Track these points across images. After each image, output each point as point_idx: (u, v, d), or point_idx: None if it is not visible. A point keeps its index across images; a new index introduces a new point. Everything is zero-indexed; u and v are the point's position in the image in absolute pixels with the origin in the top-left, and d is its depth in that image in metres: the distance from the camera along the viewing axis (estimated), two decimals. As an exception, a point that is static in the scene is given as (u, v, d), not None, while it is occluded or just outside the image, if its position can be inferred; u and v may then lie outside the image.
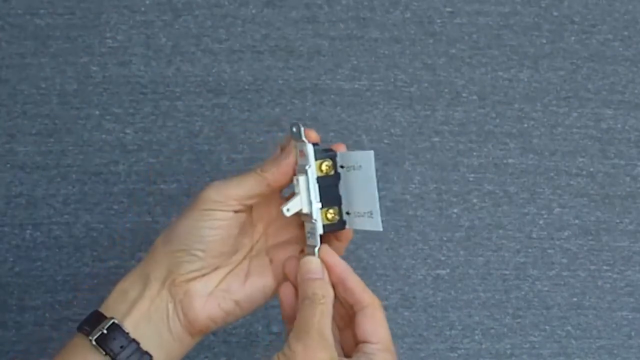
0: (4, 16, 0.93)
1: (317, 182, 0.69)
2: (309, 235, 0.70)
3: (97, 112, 0.93)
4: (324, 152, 0.69)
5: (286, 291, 0.71)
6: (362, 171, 0.68)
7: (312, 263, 0.69)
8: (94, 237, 0.91)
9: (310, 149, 0.69)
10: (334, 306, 0.69)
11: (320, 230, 0.69)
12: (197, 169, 0.92)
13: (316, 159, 0.69)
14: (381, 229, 0.68)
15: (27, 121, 0.92)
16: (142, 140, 0.92)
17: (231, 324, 0.72)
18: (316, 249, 0.69)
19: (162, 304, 0.69)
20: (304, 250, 0.72)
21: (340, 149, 0.70)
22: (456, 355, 0.92)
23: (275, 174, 0.69)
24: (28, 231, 0.91)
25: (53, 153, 0.92)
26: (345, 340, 0.72)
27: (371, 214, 0.68)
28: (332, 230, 0.70)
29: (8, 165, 0.92)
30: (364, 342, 0.68)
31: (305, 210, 0.69)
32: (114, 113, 0.93)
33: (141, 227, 0.91)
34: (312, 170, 0.69)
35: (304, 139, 0.68)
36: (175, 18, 0.94)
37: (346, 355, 0.70)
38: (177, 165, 0.92)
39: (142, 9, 0.94)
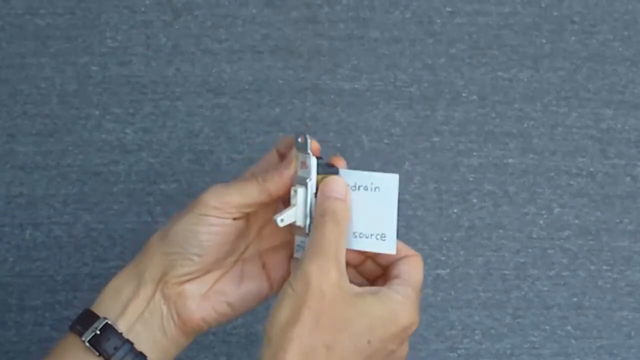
0: (4, 16, 0.93)
1: (316, 196, 0.67)
2: (297, 248, 0.69)
3: (97, 112, 0.92)
4: (327, 168, 0.68)
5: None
6: (379, 193, 0.68)
7: (339, 183, 0.67)
8: (94, 237, 0.91)
9: (314, 162, 0.67)
10: (365, 263, 0.69)
11: None
12: (197, 169, 0.92)
13: (318, 173, 0.67)
14: (394, 252, 0.67)
15: (27, 121, 0.92)
16: (142, 140, 0.92)
17: (224, 324, 0.71)
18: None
19: (156, 305, 0.68)
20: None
21: (340, 163, 0.69)
22: (456, 355, 0.92)
23: (277, 184, 0.67)
24: (28, 231, 0.91)
25: (53, 153, 0.92)
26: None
27: (383, 236, 0.67)
28: None
29: (8, 165, 0.92)
30: (395, 278, 0.66)
31: (299, 223, 0.67)
32: (114, 113, 0.93)
33: (141, 227, 0.91)
34: (313, 184, 0.67)
35: (309, 151, 0.67)
36: (175, 18, 0.94)
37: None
38: (177, 165, 0.92)
39: (142, 9, 0.94)
